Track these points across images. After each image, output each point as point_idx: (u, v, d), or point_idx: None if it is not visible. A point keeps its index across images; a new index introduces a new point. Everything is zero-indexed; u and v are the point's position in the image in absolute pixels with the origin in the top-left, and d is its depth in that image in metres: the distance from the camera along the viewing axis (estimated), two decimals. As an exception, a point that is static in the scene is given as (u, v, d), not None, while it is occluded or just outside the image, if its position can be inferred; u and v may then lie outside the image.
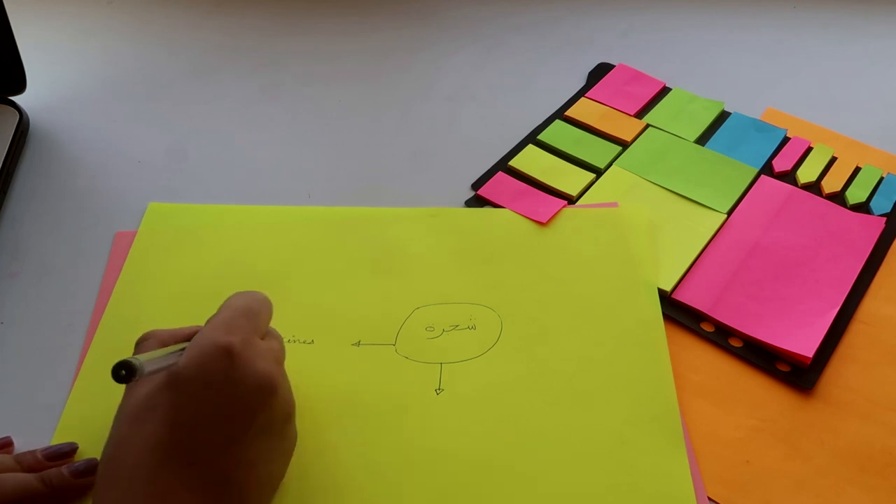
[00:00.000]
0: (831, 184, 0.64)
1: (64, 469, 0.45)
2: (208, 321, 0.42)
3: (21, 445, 0.48)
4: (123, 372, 0.36)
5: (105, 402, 0.50)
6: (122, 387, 0.50)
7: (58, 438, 0.48)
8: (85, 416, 0.49)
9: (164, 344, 0.44)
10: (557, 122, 0.70)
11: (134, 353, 0.44)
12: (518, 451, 0.48)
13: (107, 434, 0.47)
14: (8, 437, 0.48)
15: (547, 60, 0.78)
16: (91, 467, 0.45)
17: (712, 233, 0.60)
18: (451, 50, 0.79)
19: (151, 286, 0.56)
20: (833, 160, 0.67)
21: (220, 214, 0.62)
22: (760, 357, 0.53)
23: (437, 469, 0.47)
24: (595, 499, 0.46)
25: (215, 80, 0.76)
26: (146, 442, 0.38)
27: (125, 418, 0.40)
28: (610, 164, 0.66)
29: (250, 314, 0.43)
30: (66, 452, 0.46)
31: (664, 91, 0.74)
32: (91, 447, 0.47)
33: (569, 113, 0.71)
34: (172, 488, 0.38)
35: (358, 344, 0.53)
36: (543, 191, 0.64)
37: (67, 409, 0.50)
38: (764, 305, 0.55)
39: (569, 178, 0.65)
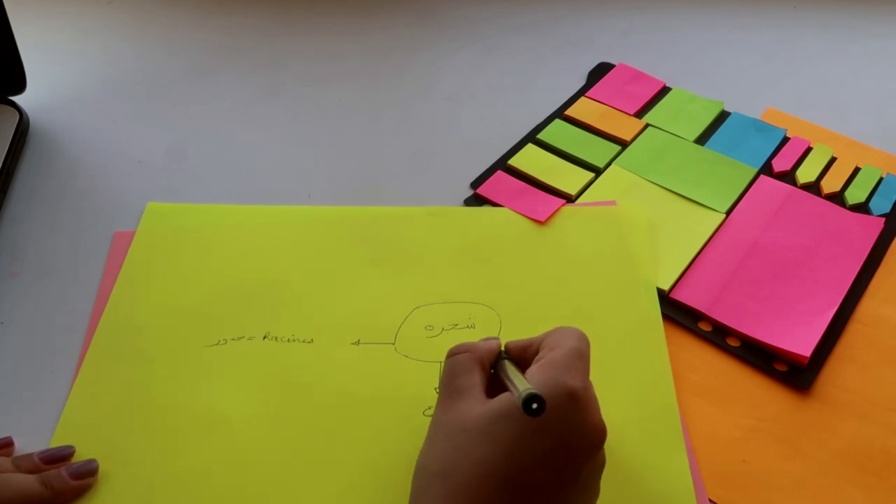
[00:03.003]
0: (830, 184, 0.64)
1: (63, 471, 0.45)
2: (545, 356, 0.41)
3: (21, 446, 0.48)
4: (535, 406, 0.36)
5: (105, 402, 0.50)
6: (123, 386, 0.51)
7: (57, 438, 0.48)
8: (84, 416, 0.49)
9: (480, 360, 0.43)
10: (557, 122, 0.70)
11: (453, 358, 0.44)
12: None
13: (107, 434, 0.48)
14: (8, 438, 0.48)
15: (547, 60, 0.78)
16: (90, 469, 0.46)
17: (711, 232, 0.60)
18: (451, 50, 0.79)
19: (150, 286, 0.56)
20: (833, 160, 0.67)
21: (220, 214, 0.62)
22: (758, 357, 0.53)
23: None
24: (594, 498, 0.46)
25: (215, 80, 0.76)
26: (478, 466, 0.38)
27: (459, 432, 0.39)
28: (609, 164, 0.66)
29: (583, 356, 0.41)
30: (63, 455, 0.47)
31: (664, 91, 0.74)
32: (90, 447, 0.47)
33: (568, 112, 0.71)
34: None
35: (357, 343, 0.53)
36: (543, 190, 0.64)
37: (67, 409, 0.50)
38: (762, 305, 0.55)
39: (568, 178, 0.65)
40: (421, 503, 0.39)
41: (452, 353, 0.44)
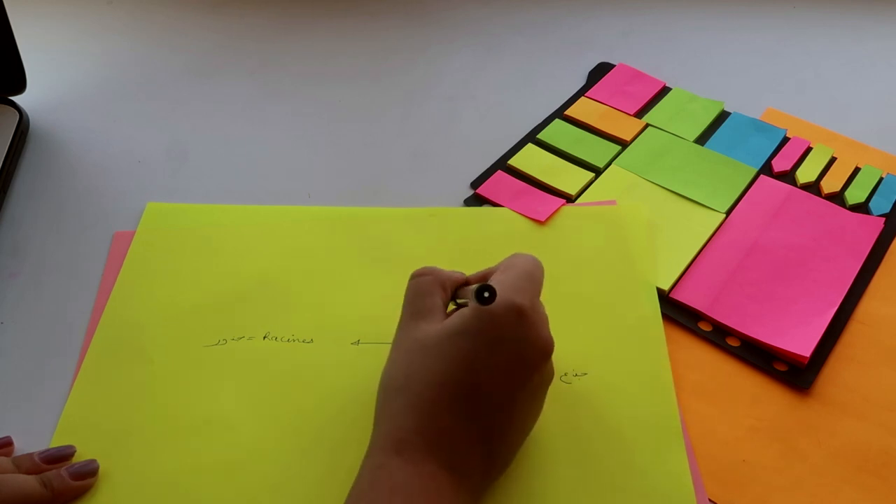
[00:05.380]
0: (830, 184, 0.64)
1: (63, 471, 0.45)
2: (496, 278, 0.44)
3: (21, 446, 0.48)
4: (487, 294, 0.39)
5: (105, 402, 0.50)
6: (123, 386, 0.51)
7: (57, 438, 0.48)
8: (85, 416, 0.49)
9: (443, 284, 0.46)
10: (557, 122, 0.70)
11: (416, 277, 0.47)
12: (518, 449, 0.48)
13: (107, 434, 0.48)
14: (8, 437, 0.48)
15: (547, 60, 0.78)
16: (90, 470, 0.46)
17: (711, 232, 0.60)
18: (451, 50, 0.79)
19: (150, 286, 0.56)
20: (832, 160, 0.67)
21: (220, 214, 0.62)
22: (758, 356, 0.53)
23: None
24: (595, 499, 0.46)
25: (215, 80, 0.76)
26: (435, 378, 0.41)
27: (418, 349, 0.43)
28: (609, 164, 0.66)
29: (533, 278, 0.44)
30: (64, 455, 0.47)
31: (664, 91, 0.74)
32: (90, 447, 0.47)
33: (568, 112, 0.71)
34: (455, 427, 0.41)
35: (357, 343, 0.53)
36: (542, 190, 0.64)
37: (67, 409, 0.50)
38: (762, 305, 0.55)
39: (568, 178, 0.65)
40: (383, 416, 0.42)
41: (416, 275, 0.47)
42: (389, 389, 0.43)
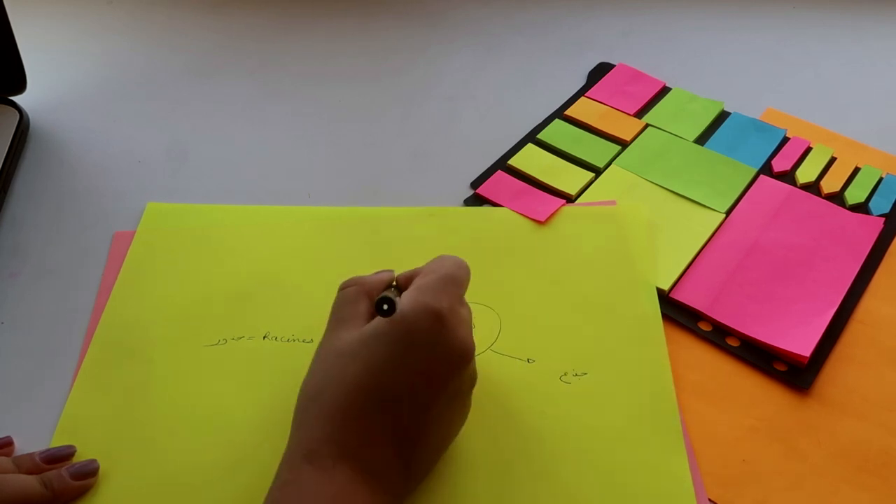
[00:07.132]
0: (830, 184, 0.64)
1: (63, 471, 0.45)
2: (416, 282, 0.44)
3: (21, 446, 0.48)
4: (386, 307, 0.39)
5: (105, 402, 0.50)
6: (123, 386, 0.51)
7: (57, 438, 0.48)
8: (84, 416, 0.49)
9: (368, 292, 0.46)
10: (557, 122, 0.70)
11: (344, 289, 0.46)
12: (516, 451, 0.48)
13: (107, 434, 0.48)
14: (8, 437, 0.48)
15: (547, 60, 0.78)
16: (91, 470, 0.46)
17: (711, 232, 0.60)
18: (451, 50, 0.79)
19: (150, 286, 0.57)
20: (832, 160, 0.67)
21: (220, 214, 0.62)
22: (758, 356, 0.53)
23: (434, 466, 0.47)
24: (595, 498, 0.46)
25: (215, 80, 0.76)
26: (349, 385, 0.40)
27: (334, 356, 0.42)
28: (609, 164, 0.66)
29: (455, 281, 0.44)
30: (64, 455, 0.47)
31: (664, 91, 0.74)
32: (90, 447, 0.48)
33: (568, 112, 0.71)
34: (369, 432, 0.40)
35: (357, 343, 0.53)
36: (543, 190, 0.64)
37: (67, 409, 0.50)
38: (762, 305, 0.55)
39: (568, 178, 0.65)
40: (298, 425, 0.42)
41: (341, 287, 0.46)
42: (303, 399, 0.42)
